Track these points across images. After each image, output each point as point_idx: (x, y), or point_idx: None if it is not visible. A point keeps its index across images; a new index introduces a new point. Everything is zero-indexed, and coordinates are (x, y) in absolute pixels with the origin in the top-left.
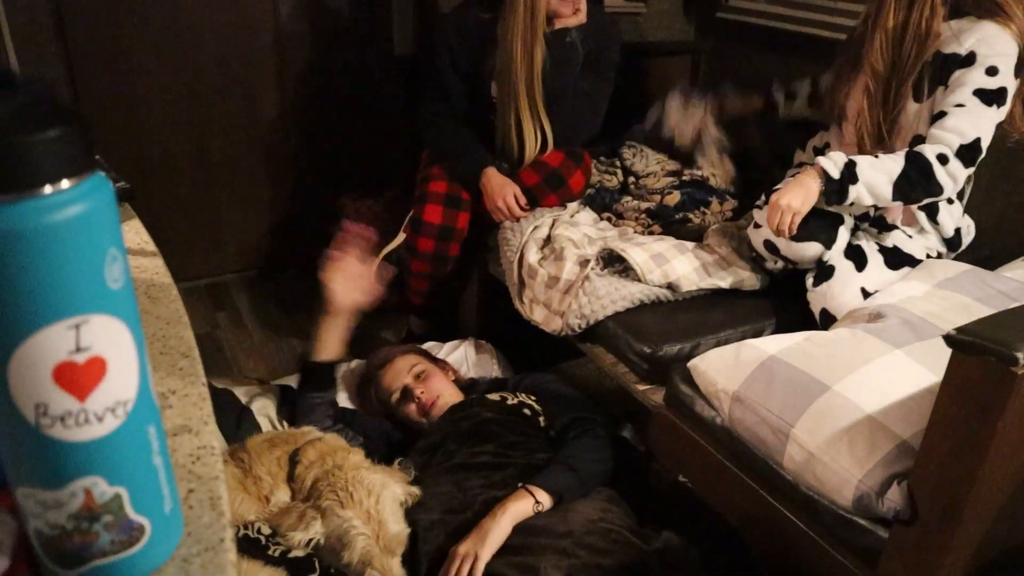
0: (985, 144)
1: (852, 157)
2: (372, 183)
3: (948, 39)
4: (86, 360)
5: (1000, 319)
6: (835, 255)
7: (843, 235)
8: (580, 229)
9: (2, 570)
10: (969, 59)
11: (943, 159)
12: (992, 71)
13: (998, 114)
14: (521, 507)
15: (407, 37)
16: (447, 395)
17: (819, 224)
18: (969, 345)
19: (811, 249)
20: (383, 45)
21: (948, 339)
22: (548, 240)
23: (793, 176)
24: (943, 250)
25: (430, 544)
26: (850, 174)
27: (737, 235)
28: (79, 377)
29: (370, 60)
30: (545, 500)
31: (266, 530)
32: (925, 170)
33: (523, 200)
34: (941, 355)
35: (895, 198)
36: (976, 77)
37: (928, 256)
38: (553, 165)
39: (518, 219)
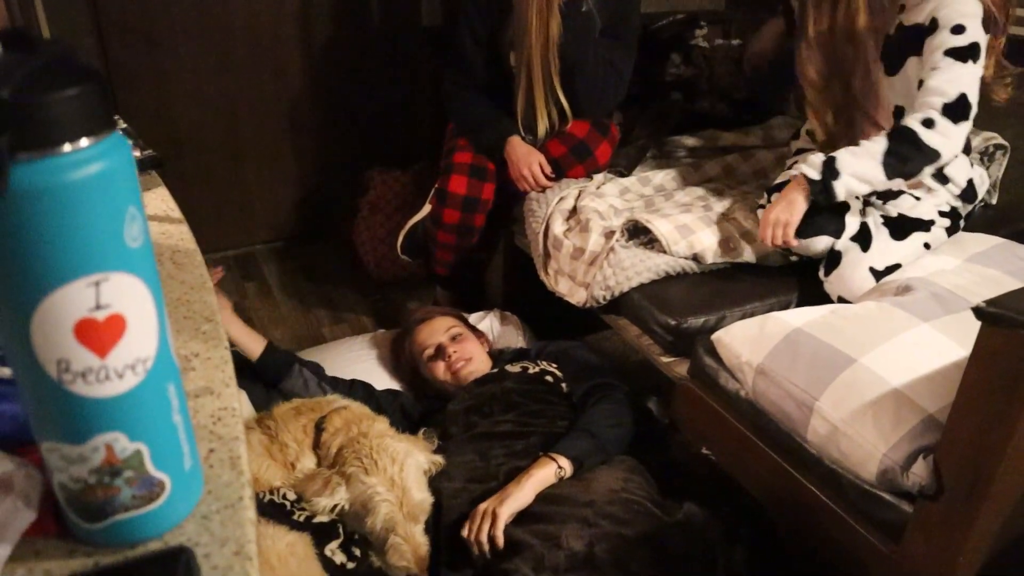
0: (972, 99)
1: (833, 153)
2: (400, 155)
3: (911, 10)
4: (106, 317)
5: None
6: (842, 240)
7: (851, 221)
8: (606, 200)
9: (29, 523)
10: (932, 25)
11: (928, 123)
12: (958, 29)
13: (976, 68)
14: (544, 473)
15: (435, 7)
16: (478, 360)
17: (825, 217)
18: (999, 318)
19: (821, 243)
20: (411, 15)
21: (977, 311)
22: (574, 211)
23: (792, 166)
24: (958, 204)
25: (453, 512)
26: (830, 171)
27: None
28: (99, 334)
29: (398, 31)
30: (567, 466)
31: (291, 496)
32: (911, 139)
33: (548, 169)
34: (970, 328)
35: (891, 176)
36: (944, 39)
37: (941, 213)
38: (579, 136)
39: (543, 188)
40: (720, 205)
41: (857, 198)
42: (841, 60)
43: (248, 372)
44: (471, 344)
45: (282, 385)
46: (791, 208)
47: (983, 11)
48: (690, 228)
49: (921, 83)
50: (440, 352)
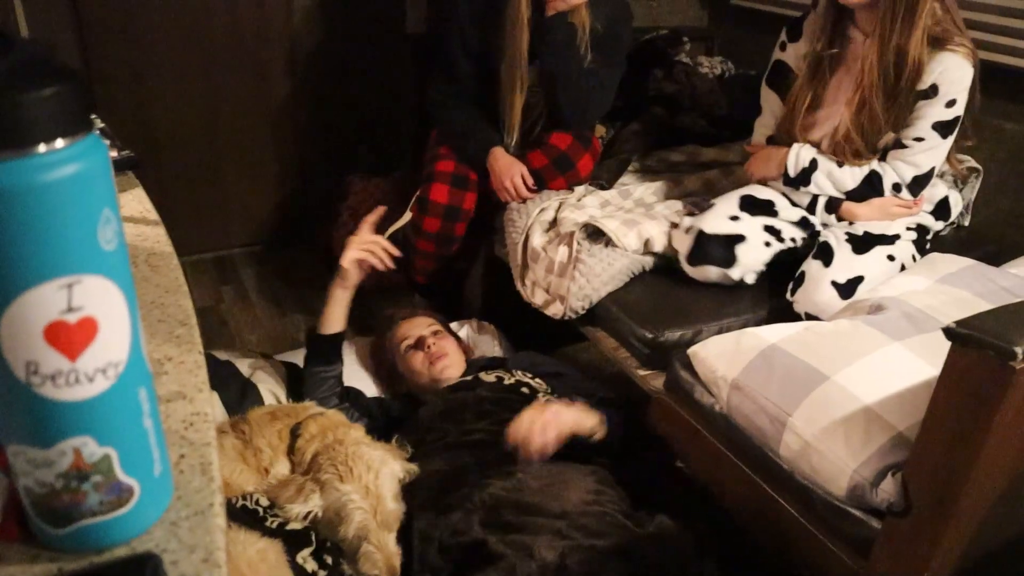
0: (938, 169)
1: (817, 158)
2: (381, 162)
3: (921, 76)
4: (77, 320)
5: (999, 313)
6: (808, 259)
7: (749, 251)
8: (586, 212)
9: None
10: (932, 91)
11: (897, 187)
12: (951, 103)
13: (950, 140)
14: (591, 420)
15: (419, 15)
16: (454, 358)
17: (713, 246)
18: (967, 338)
19: (711, 272)
20: (395, 23)
21: (947, 332)
22: (554, 223)
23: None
24: (928, 220)
25: (422, 521)
26: (804, 179)
27: None
28: (70, 337)
29: (382, 37)
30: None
31: (264, 502)
32: (877, 188)
33: (530, 181)
34: (940, 348)
35: (847, 195)
36: (936, 111)
37: (907, 228)
38: (561, 148)
39: (524, 200)
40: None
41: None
42: (902, 85)
43: (222, 374)
44: (450, 343)
45: (320, 368)
46: (766, 172)
47: (972, 74)
48: (635, 221)
49: (901, 143)
50: (420, 343)
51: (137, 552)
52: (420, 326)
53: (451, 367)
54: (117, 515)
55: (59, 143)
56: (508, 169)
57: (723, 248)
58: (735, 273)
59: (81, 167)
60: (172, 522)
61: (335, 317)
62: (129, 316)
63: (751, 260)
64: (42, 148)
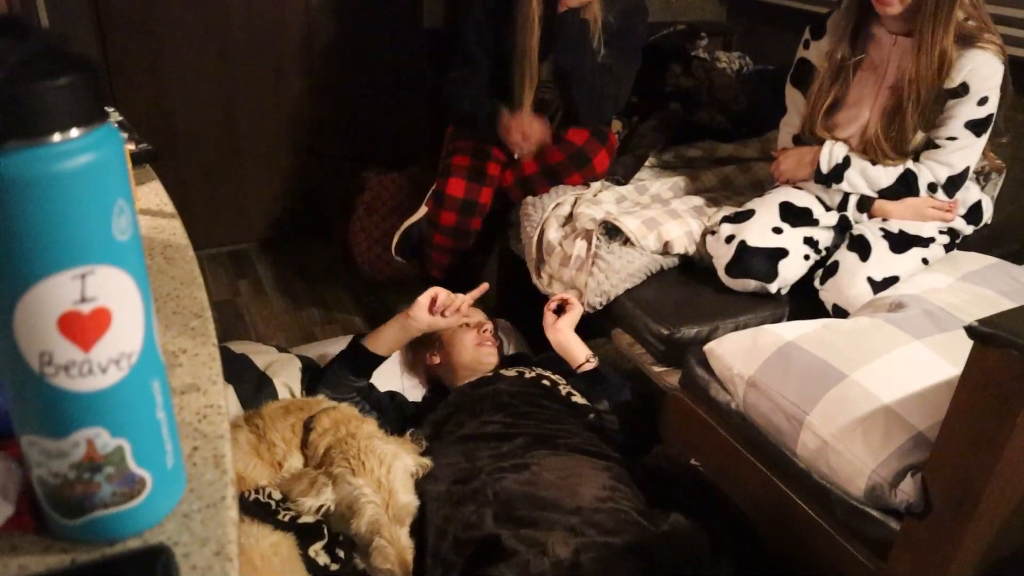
0: (973, 168)
1: (850, 155)
2: (397, 156)
3: (950, 75)
4: (91, 310)
5: (1023, 312)
6: (840, 250)
7: (791, 266)
8: (602, 207)
9: (7, 517)
10: (962, 90)
11: (932, 187)
12: (983, 101)
13: (984, 139)
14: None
15: (437, 9)
16: (497, 352)
17: (757, 261)
18: (990, 337)
19: (750, 284)
20: (412, 17)
21: (969, 330)
22: (569, 218)
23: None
24: (960, 224)
25: (436, 515)
26: (836, 175)
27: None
28: (84, 327)
29: (399, 32)
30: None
31: (277, 495)
32: (912, 188)
33: (542, 128)
34: (962, 347)
35: (879, 194)
36: (968, 109)
37: (940, 231)
38: (578, 143)
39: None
40: (716, 216)
41: (828, 229)
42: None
43: (237, 368)
44: (496, 341)
45: (348, 375)
46: (799, 171)
47: (1002, 71)
48: (657, 221)
49: (934, 143)
50: (478, 325)
51: (149, 544)
52: (479, 314)
53: (492, 357)
54: (129, 507)
55: (74, 133)
56: (518, 121)
57: (766, 262)
58: (773, 287)
59: (96, 157)
60: (184, 514)
61: (387, 343)
62: (143, 307)
63: (791, 275)
64: (57, 138)
